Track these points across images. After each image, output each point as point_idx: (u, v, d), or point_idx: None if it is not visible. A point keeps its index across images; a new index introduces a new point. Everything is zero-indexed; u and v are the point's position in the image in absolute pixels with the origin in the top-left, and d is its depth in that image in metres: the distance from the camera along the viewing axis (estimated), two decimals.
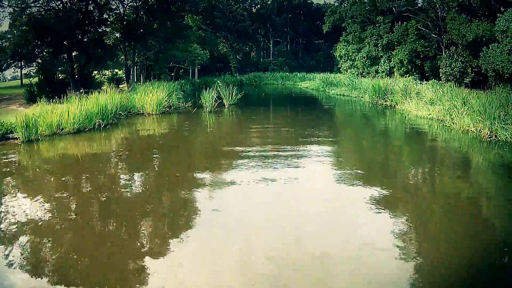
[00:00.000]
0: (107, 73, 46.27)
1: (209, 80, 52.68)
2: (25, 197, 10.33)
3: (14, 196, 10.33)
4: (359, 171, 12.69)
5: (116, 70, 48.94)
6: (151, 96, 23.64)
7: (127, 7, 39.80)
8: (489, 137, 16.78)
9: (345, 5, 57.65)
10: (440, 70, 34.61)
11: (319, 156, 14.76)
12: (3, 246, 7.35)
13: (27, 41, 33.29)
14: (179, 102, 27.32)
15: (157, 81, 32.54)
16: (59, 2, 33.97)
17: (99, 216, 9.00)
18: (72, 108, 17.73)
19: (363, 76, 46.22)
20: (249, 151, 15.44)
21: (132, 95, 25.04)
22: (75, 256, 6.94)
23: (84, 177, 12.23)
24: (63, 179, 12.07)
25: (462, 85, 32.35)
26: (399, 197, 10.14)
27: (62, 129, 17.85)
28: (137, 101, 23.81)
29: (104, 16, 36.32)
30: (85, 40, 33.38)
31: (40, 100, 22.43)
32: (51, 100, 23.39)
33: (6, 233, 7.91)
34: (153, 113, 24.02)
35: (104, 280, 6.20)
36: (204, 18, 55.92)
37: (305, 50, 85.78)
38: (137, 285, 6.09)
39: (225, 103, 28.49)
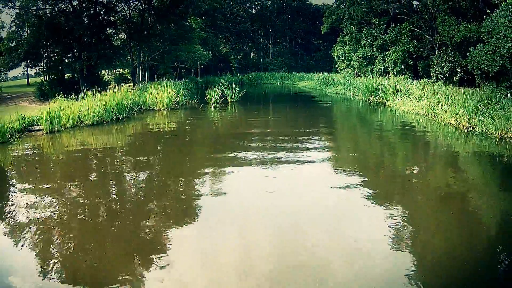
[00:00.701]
0: (113, 72, 48.12)
1: (211, 80, 54.71)
2: (63, 177, 12.23)
3: (52, 177, 12.23)
4: (342, 147, 14.71)
5: (121, 70, 50.76)
6: (161, 93, 25.69)
7: (133, 9, 41.66)
8: (467, 129, 18.69)
9: (343, 6, 59.55)
10: (431, 69, 36.49)
11: (311, 139, 17.35)
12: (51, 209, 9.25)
13: (40, 41, 35.09)
14: (186, 99, 29.38)
15: (166, 81, 34.50)
16: (69, 4, 35.84)
17: (129, 186, 10.91)
18: (91, 103, 19.63)
19: (359, 76, 48.09)
20: (253, 134, 18.45)
21: (142, 92, 26.98)
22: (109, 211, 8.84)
23: (113, 160, 14.13)
24: (92, 160, 13.97)
25: (451, 83, 34.21)
26: (380, 171, 12.07)
27: (82, 122, 19.78)
28: (148, 98, 25.85)
29: (111, 18, 38.13)
30: (94, 41, 35.18)
31: (58, 97, 24.27)
32: (64, 97, 25.25)
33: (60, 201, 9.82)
34: (164, 108, 26.16)
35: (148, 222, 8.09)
36: (206, 20, 57.81)
37: (304, 51, 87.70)
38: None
39: (229, 100, 30.57)
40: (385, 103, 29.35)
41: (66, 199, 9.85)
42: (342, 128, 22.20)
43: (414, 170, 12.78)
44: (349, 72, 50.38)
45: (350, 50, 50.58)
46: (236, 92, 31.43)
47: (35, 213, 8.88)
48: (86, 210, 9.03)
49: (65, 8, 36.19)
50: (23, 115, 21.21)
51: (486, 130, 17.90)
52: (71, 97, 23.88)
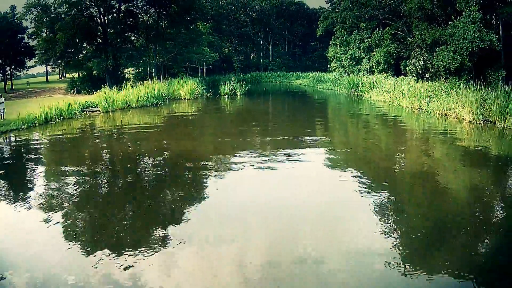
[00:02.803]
0: (130, 71, 54.30)
1: (217, 78, 61.14)
2: (124, 136, 18.59)
3: (116, 137, 18.59)
4: (323, 116, 21.23)
5: (135, 69, 56.66)
6: (186, 86, 32.36)
7: (150, 16, 47.73)
8: (417, 110, 25.03)
9: (337, 10, 65.81)
10: (407, 68, 42.77)
11: (302, 114, 24.86)
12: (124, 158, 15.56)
13: (72, 42, 40.98)
14: (203, 92, 36.01)
15: (184, 78, 40.77)
16: (96, 9, 41.89)
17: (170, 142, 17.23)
18: (136, 91, 26.04)
19: (348, 74, 54.30)
20: (260, 111, 26.46)
21: (168, 86, 33.48)
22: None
23: (160, 128, 20.47)
24: (148, 127, 20.32)
25: (423, 79, 40.45)
26: (351, 135, 18.43)
27: (129, 105, 26.13)
28: (175, 90, 32.49)
29: (135, 24, 44.28)
30: (122, 43, 41.32)
31: (104, 87, 30.47)
32: (110, 88, 31.38)
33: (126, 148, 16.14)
34: (188, 98, 32.85)
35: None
36: (212, 24, 64.16)
37: (302, 51, 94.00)
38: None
39: (237, 93, 37.09)
40: (362, 95, 35.81)
41: (134, 147, 16.14)
42: (325, 108, 29.24)
43: (375, 130, 19.14)
44: (340, 71, 56.63)
45: (341, 52, 56.80)
46: (243, 87, 37.89)
47: (109, 155, 15.18)
48: (143, 153, 15.35)
49: (94, 14, 42.33)
50: (77, 100, 27.48)
51: (431, 110, 24.23)
52: (114, 88, 30.09)
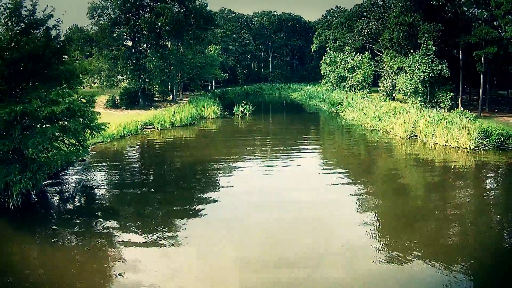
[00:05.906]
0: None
1: (225, 91, 72.98)
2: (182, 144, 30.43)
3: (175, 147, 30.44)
4: (306, 126, 33.61)
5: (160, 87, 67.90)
6: (210, 108, 44.17)
7: (171, 44, 58.88)
8: (371, 128, 36.72)
9: (329, 28, 77.89)
10: (379, 88, 54.37)
11: (291, 124, 36.87)
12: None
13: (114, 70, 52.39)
14: (221, 112, 47.45)
15: (205, 95, 52.20)
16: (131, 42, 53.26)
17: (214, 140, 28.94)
18: (177, 114, 37.83)
19: (335, 89, 65.90)
20: (264, 125, 38.35)
21: (196, 107, 45.03)
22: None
23: (207, 137, 32.22)
24: (198, 138, 32.02)
25: (391, 98, 52.03)
26: (324, 141, 30.17)
27: (173, 124, 37.81)
28: (201, 110, 44.16)
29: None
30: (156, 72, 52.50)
31: (138, 102, 41.95)
32: (148, 106, 42.80)
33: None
34: (212, 117, 44.56)
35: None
36: (221, 45, 75.59)
37: (299, 62, 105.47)
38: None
39: (247, 113, 48.42)
40: (339, 113, 47.63)
41: (189, 153, 27.87)
42: (311, 123, 41.86)
43: (337, 138, 31.03)
44: (328, 86, 68.34)
45: (330, 70, 68.42)
46: (250, 108, 49.18)
47: (170, 158, 26.91)
48: (196, 156, 27.08)
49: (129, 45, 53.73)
50: (133, 118, 38.75)
51: (380, 128, 35.86)
52: (167, 105, 41.52)
